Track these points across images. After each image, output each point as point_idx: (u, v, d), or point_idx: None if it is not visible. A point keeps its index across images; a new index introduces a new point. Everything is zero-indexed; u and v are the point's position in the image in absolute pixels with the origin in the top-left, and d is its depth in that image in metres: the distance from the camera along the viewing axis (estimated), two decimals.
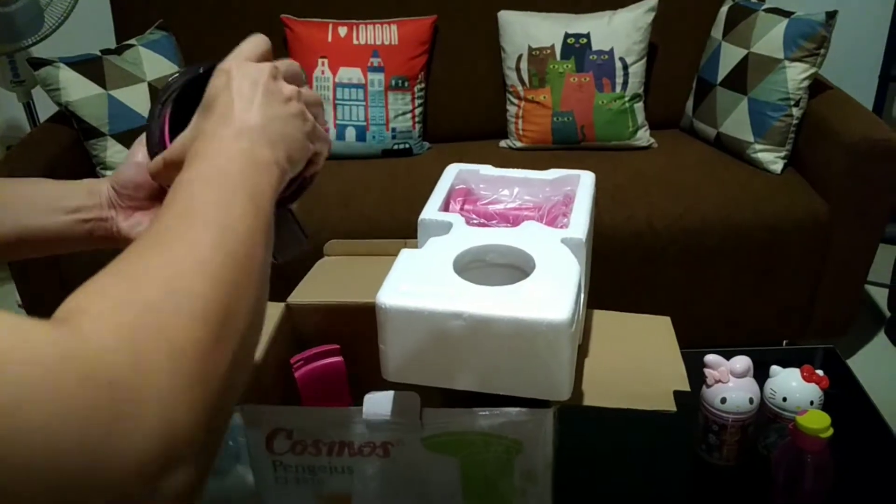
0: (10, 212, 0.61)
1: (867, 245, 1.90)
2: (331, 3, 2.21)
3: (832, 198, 1.85)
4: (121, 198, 0.62)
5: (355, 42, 2.13)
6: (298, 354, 0.87)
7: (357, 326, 0.82)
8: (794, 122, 1.96)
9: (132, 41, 2.10)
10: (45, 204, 0.62)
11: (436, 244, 0.75)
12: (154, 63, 2.08)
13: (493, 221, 0.85)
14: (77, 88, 1.96)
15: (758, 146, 1.99)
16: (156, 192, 0.62)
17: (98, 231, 0.62)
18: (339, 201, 1.94)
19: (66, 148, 1.98)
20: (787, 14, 1.96)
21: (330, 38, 2.14)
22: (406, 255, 0.73)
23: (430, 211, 0.83)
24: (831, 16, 1.89)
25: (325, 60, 2.14)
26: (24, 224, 0.61)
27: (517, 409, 0.72)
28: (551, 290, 0.67)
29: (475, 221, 0.84)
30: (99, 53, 2.02)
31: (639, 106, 2.15)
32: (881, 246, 1.94)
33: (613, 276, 1.89)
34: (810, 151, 1.96)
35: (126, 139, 1.99)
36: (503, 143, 2.24)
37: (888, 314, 2.20)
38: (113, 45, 2.11)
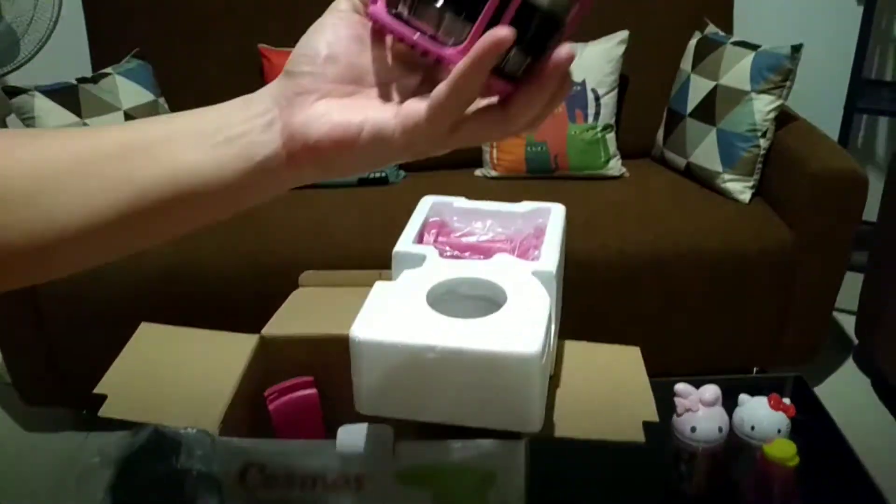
0: (152, 156, 0.42)
1: (833, 273, 1.94)
2: None
3: (798, 227, 1.89)
4: (297, 83, 0.42)
5: None
6: (272, 387, 0.87)
7: (331, 358, 0.83)
8: (762, 152, 2.00)
9: (108, 69, 2.11)
10: (196, 132, 0.43)
11: (409, 277, 0.76)
12: (130, 92, 2.09)
13: (467, 253, 0.87)
14: (52, 117, 1.96)
15: (726, 176, 2.03)
16: (353, 74, 0.43)
17: (259, 149, 0.42)
18: (313, 230, 1.94)
19: None
20: (753, 47, 2.02)
21: None
22: (379, 287, 0.74)
23: (405, 243, 0.84)
24: (796, 49, 1.95)
25: None
26: (169, 169, 0.42)
27: (490, 440, 0.73)
28: (522, 323, 0.68)
29: (448, 254, 0.85)
30: (75, 82, 2.02)
31: (611, 136, 2.19)
32: (849, 273, 1.99)
33: (585, 304, 1.91)
34: (777, 181, 2.01)
35: None
36: (478, 172, 2.27)
37: (855, 341, 2.24)
38: (89, 74, 2.11)
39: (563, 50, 0.39)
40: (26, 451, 2.02)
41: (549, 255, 0.80)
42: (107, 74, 2.08)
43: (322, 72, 0.42)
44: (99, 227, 0.42)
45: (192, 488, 0.88)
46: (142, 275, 1.86)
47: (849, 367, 2.21)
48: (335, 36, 0.43)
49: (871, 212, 2.01)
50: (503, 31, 0.37)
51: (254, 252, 1.89)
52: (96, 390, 0.75)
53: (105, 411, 0.73)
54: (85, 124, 1.98)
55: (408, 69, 0.45)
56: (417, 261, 0.80)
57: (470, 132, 0.41)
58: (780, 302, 1.95)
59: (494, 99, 0.41)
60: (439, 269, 0.78)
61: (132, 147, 0.43)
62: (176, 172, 0.42)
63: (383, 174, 2.21)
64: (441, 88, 0.39)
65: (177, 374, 0.83)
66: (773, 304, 1.95)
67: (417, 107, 0.40)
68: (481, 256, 0.85)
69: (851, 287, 2.11)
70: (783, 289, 1.93)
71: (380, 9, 0.42)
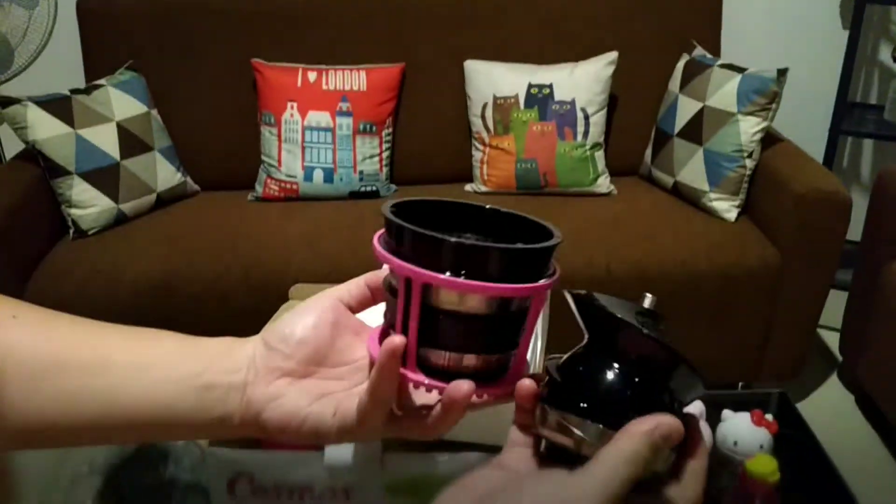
0: (131, 380, 0.48)
1: (818, 291, 1.96)
2: (301, 48, 2.25)
3: (783, 246, 1.92)
4: (269, 357, 0.48)
5: (324, 87, 2.17)
6: None
7: None
8: (748, 172, 2.03)
9: (102, 81, 2.12)
10: (170, 375, 0.48)
11: None
12: (123, 103, 2.10)
13: None
14: (45, 127, 1.96)
15: (713, 195, 2.06)
16: (317, 357, 0.48)
17: (221, 406, 0.47)
18: (305, 242, 1.96)
19: (32, 186, 1.98)
20: (740, 70, 2.05)
21: (300, 83, 2.17)
22: None
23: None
24: (782, 73, 1.98)
25: (295, 104, 2.17)
26: (145, 398, 0.47)
27: (476, 453, 0.74)
28: None
29: None
30: (68, 93, 2.03)
31: (599, 154, 2.21)
32: (834, 291, 2.01)
33: (572, 319, 1.92)
34: (763, 201, 2.04)
35: (92, 178, 2.00)
36: (468, 187, 2.29)
37: (840, 358, 2.27)
38: (82, 85, 2.12)
39: (463, 386, 0.42)
40: (13, 459, 2.01)
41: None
42: (100, 86, 2.10)
43: (291, 353, 0.47)
44: (62, 427, 0.47)
45: (181, 498, 0.89)
46: (132, 286, 1.86)
47: (833, 384, 2.23)
48: (314, 321, 0.48)
49: (855, 231, 2.04)
50: (396, 339, 0.41)
51: (246, 265, 1.90)
52: None
53: None
54: (79, 135, 1.99)
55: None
56: None
57: (398, 429, 0.47)
58: (764, 319, 1.97)
59: (431, 398, 0.45)
60: None
61: (114, 364, 0.48)
62: (150, 403, 0.47)
63: (374, 188, 2.23)
64: (363, 395, 0.44)
65: None
66: (758, 321, 1.97)
67: (350, 407, 0.45)
68: None
69: (836, 305, 2.14)
70: (768, 306, 1.95)
71: (372, 343, 0.47)
